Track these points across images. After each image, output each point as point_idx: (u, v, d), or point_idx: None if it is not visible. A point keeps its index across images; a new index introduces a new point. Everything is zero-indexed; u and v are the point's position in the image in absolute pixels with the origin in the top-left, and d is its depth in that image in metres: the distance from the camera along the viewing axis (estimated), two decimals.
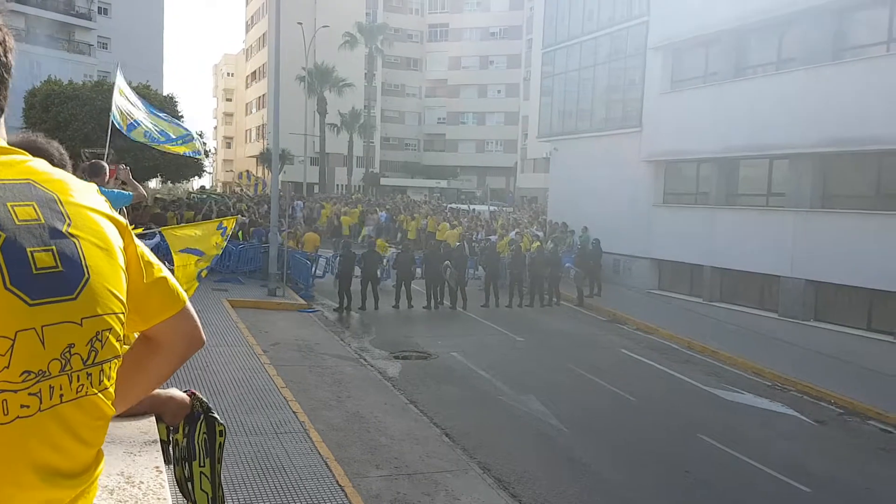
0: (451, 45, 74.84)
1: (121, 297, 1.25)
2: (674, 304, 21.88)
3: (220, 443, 2.33)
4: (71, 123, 22.74)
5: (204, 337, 1.50)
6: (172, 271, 6.84)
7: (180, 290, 1.43)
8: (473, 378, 13.55)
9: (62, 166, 1.82)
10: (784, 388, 14.56)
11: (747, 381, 14.91)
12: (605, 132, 26.34)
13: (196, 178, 31.56)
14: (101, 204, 1.30)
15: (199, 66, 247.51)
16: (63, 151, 2.58)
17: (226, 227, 7.24)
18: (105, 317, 1.20)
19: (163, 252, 7.16)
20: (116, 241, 1.28)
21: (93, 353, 1.19)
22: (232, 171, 79.41)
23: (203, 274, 7.33)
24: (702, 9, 21.53)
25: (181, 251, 7.26)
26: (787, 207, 18.80)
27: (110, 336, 1.22)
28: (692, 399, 13.54)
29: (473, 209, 42.41)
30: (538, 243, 23.57)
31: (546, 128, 30.95)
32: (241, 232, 21.05)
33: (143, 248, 1.38)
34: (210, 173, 74.00)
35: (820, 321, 17.80)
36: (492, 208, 44.00)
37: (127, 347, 1.36)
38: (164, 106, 27.80)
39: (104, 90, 26.12)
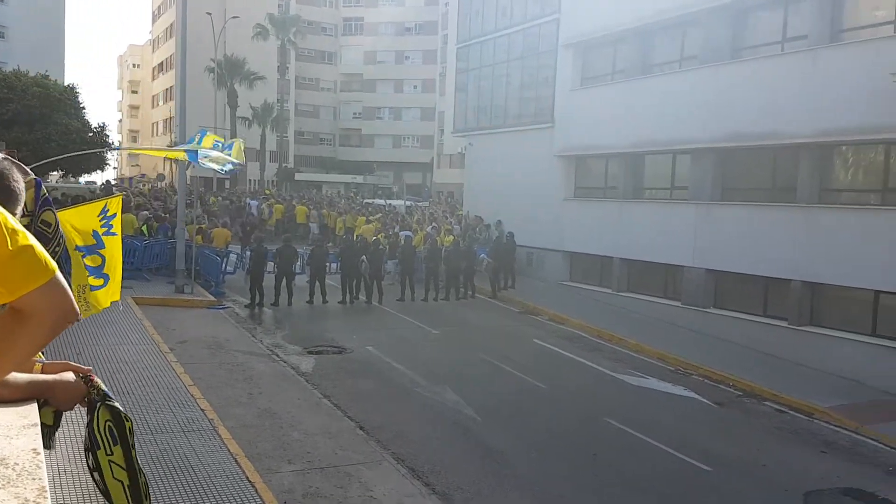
0: (366, 38, 74.25)
1: None
2: (584, 295, 22.50)
3: (129, 428, 2.25)
4: None
5: (77, 309, 1.45)
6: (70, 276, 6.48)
7: (49, 259, 1.38)
8: (389, 371, 13.55)
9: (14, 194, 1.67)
10: (686, 373, 15.22)
11: (652, 367, 15.50)
12: (518, 128, 26.77)
13: (98, 171, 30.19)
14: None
15: (103, 56, 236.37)
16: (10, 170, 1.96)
17: (108, 210, 6.69)
18: None
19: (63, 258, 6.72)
20: None
21: None
22: (138, 165, 76.40)
23: (94, 282, 6.84)
24: (609, 7, 22.18)
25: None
26: (690, 200, 19.63)
27: None
28: (600, 385, 13.98)
29: (390, 204, 42.34)
30: (451, 238, 23.74)
31: (461, 123, 31.20)
32: (146, 227, 20.30)
33: (6, 216, 1.32)
34: (115, 168, 71.05)
35: (720, 308, 18.68)
36: (408, 204, 44.03)
37: None
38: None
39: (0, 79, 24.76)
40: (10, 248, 1.29)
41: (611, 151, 22.26)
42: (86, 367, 2.20)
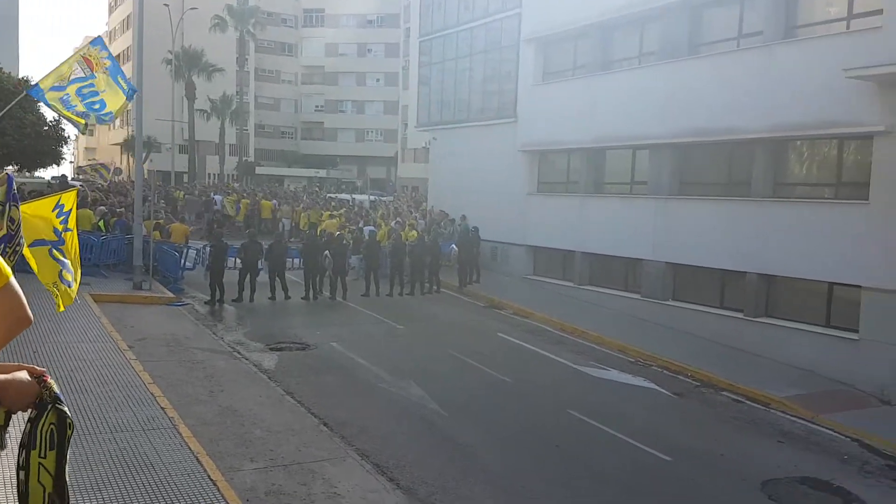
0: (327, 30, 73.61)
1: None
2: (548, 289, 22.68)
3: (69, 436, 2.21)
4: None
5: (30, 315, 1.42)
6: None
7: (3, 265, 1.34)
8: (353, 367, 13.49)
9: None
10: (646, 364, 15.45)
11: (613, 359, 15.71)
12: (481, 122, 26.81)
13: (55, 166, 29.45)
14: None
15: (58, 48, 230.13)
16: None
17: (63, 205, 6.54)
18: None
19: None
20: None
21: None
22: (94, 158, 74.65)
23: (67, 277, 6.69)
24: (570, 3, 22.32)
25: (31, 245, 6.71)
26: (648, 195, 19.89)
27: None
28: (563, 378, 14.12)
29: (353, 199, 42.11)
30: (415, 233, 23.72)
31: (425, 117, 31.14)
32: (102, 222, 19.87)
33: None
34: (71, 162, 69.40)
35: (678, 301, 18.99)
36: (372, 198, 43.84)
37: None
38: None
39: None
40: None
41: (572, 146, 22.44)
42: (40, 369, 2.15)
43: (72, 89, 8.81)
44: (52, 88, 8.75)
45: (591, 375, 14.36)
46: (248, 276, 18.54)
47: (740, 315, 17.17)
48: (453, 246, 23.55)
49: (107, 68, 9.14)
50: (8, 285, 1.33)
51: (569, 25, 22.37)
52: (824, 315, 15.70)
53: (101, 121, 9.59)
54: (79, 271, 6.87)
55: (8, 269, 1.35)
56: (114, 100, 9.41)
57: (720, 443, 11.23)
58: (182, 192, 37.34)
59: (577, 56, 23.03)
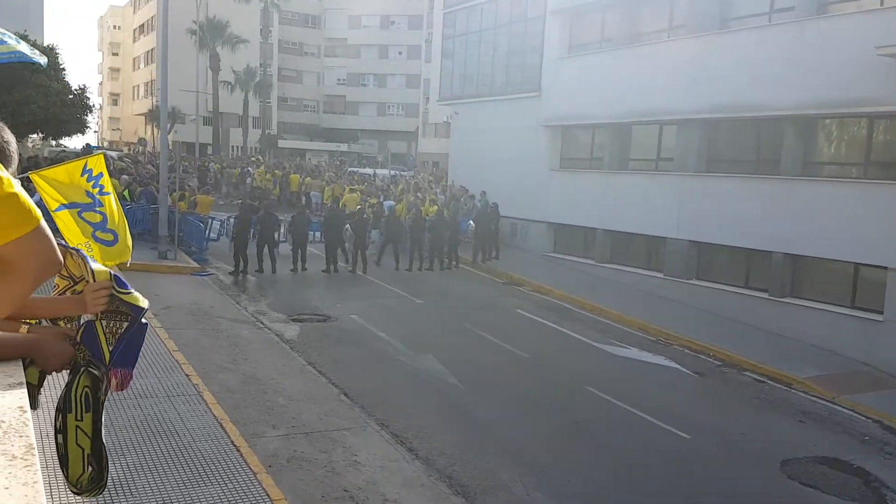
0: (350, 2, 73.06)
1: None
2: (568, 266, 22.60)
3: (102, 399, 2.24)
4: None
5: (61, 259, 1.42)
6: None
7: (33, 207, 1.34)
8: (372, 339, 13.58)
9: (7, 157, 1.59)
10: (667, 343, 15.39)
11: (634, 337, 15.66)
12: (505, 96, 26.56)
13: (79, 134, 29.71)
14: None
15: (83, 17, 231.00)
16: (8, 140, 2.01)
17: (92, 170, 6.57)
18: None
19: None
20: None
21: None
22: (119, 129, 75.27)
23: (103, 236, 6.63)
24: None
25: (57, 210, 6.78)
26: (675, 172, 19.66)
27: None
28: (582, 355, 14.11)
29: (374, 173, 42.12)
30: (436, 207, 23.68)
31: (447, 91, 30.90)
32: (127, 191, 20.06)
33: None
34: (95, 131, 69.97)
35: (702, 280, 18.84)
36: (392, 173, 43.80)
37: None
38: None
39: None
40: None
41: (597, 122, 22.18)
42: (72, 331, 2.18)
43: None
44: None
45: (611, 353, 14.34)
46: (267, 247, 18.66)
47: (765, 295, 17.00)
48: (471, 222, 23.51)
49: None
50: (39, 228, 1.34)
51: None
52: (849, 296, 15.51)
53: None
54: (127, 233, 6.90)
55: (38, 212, 1.36)
56: None
57: (740, 422, 11.19)
58: (219, 164, 37.71)
59: (605, 29, 22.68)
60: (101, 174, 6.58)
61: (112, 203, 6.74)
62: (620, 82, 20.87)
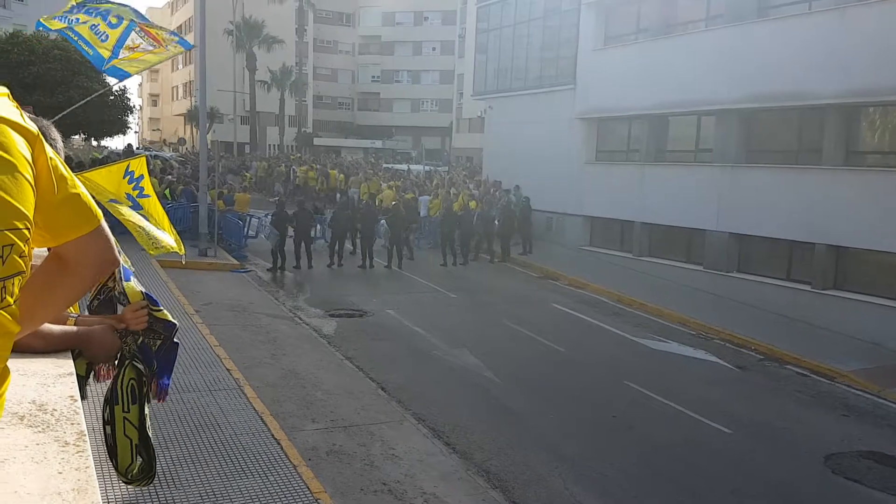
0: None
1: (25, 212, 1.20)
2: (604, 260, 22.41)
3: (146, 392, 2.30)
4: None
5: (118, 258, 1.46)
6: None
7: (95, 207, 1.38)
8: (408, 334, 13.65)
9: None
10: (708, 337, 15.18)
11: (673, 331, 15.48)
12: (539, 90, 26.42)
13: (120, 135, 30.35)
14: (10, 112, 1.23)
15: None
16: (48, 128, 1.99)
17: (133, 172, 6.65)
18: (6, 232, 1.16)
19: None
20: (24, 152, 1.22)
21: None
22: (159, 129, 76.66)
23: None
24: None
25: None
26: (714, 163, 19.36)
27: (12, 252, 1.18)
28: (620, 349, 13.99)
29: (409, 169, 42.25)
30: (458, 202, 23.71)
31: (481, 86, 30.84)
32: (168, 191, 20.44)
33: (56, 161, 1.31)
34: (136, 132, 71.34)
35: (743, 272, 18.53)
36: (427, 168, 43.88)
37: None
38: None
39: (19, 43, 24.74)
40: (56, 194, 1.30)
41: (633, 113, 21.94)
42: (121, 324, 2.24)
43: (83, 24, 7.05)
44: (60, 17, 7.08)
45: (650, 347, 14.19)
46: (303, 243, 18.87)
47: (808, 287, 16.67)
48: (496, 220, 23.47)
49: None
50: (100, 227, 1.37)
51: None
52: (894, 287, 15.12)
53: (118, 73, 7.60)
54: (172, 231, 7.02)
55: (99, 212, 1.40)
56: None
57: (783, 416, 10.99)
58: (265, 163, 38.26)
59: (640, 20, 22.41)
60: (142, 176, 6.69)
61: (153, 205, 6.84)
62: (657, 73, 20.59)
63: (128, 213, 6.29)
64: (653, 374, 12.34)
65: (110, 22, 7.24)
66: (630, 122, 22.75)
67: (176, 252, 6.76)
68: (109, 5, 7.34)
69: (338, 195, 30.77)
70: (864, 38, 15.25)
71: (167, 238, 6.55)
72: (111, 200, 6.24)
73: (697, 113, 20.06)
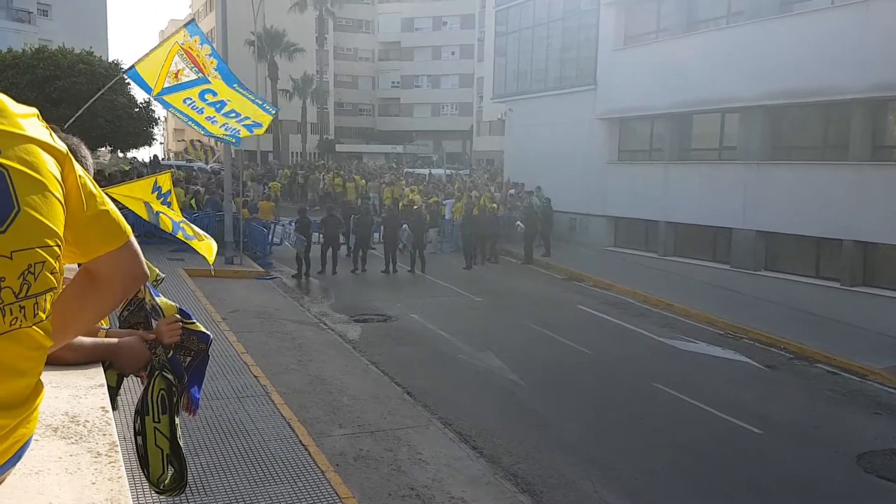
0: (403, 5, 73.54)
1: (56, 229, 1.22)
2: (629, 260, 22.26)
3: (176, 401, 2.34)
4: (10, 92, 21.79)
5: (146, 272, 1.49)
6: None
7: (124, 223, 1.41)
8: (433, 338, 13.66)
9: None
10: (736, 336, 15.01)
11: (701, 331, 15.32)
12: (559, 91, 26.36)
13: (146, 146, 30.75)
14: (40, 132, 1.26)
15: (144, 31, 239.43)
16: (78, 146, 2.08)
17: (161, 188, 6.75)
18: (38, 250, 1.19)
19: None
20: (54, 171, 1.25)
21: (25, 287, 1.17)
22: (183, 140, 77.49)
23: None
24: None
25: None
26: (739, 160, 19.16)
27: (43, 269, 1.20)
28: (647, 350, 13.88)
29: (430, 173, 42.34)
30: (494, 205, 23.68)
31: (501, 88, 30.84)
32: (193, 200, 20.69)
33: (86, 179, 1.34)
34: (161, 143, 72.30)
35: (770, 271, 18.30)
36: (448, 172, 43.94)
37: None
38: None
39: (45, 58, 25.18)
40: (86, 211, 1.33)
41: (656, 112, 21.80)
42: (150, 335, 2.28)
43: (193, 93, 7.55)
44: (169, 90, 7.45)
45: (677, 348, 14.06)
46: (331, 249, 19.03)
47: (836, 284, 16.42)
48: (518, 224, 23.44)
49: (216, 69, 7.72)
50: (128, 243, 1.40)
51: None
52: None
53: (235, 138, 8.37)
54: (202, 240, 7.11)
55: (128, 228, 1.43)
56: (252, 111, 8.19)
57: (814, 415, 10.84)
58: (289, 171, 38.62)
59: (661, 18, 22.27)
60: (168, 191, 6.82)
61: (171, 220, 6.96)
62: (679, 71, 20.44)
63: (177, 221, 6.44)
64: (681, 374, 12.23)
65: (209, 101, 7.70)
66: (652, 121, 22.60)
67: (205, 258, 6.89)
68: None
69: (358, 200, 30.92)
70: (889, 32, 15.01)
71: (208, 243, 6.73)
72: (158, 212, 6.36)
73: (721, 110, 19.88)
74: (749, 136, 18.91)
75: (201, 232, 7.07)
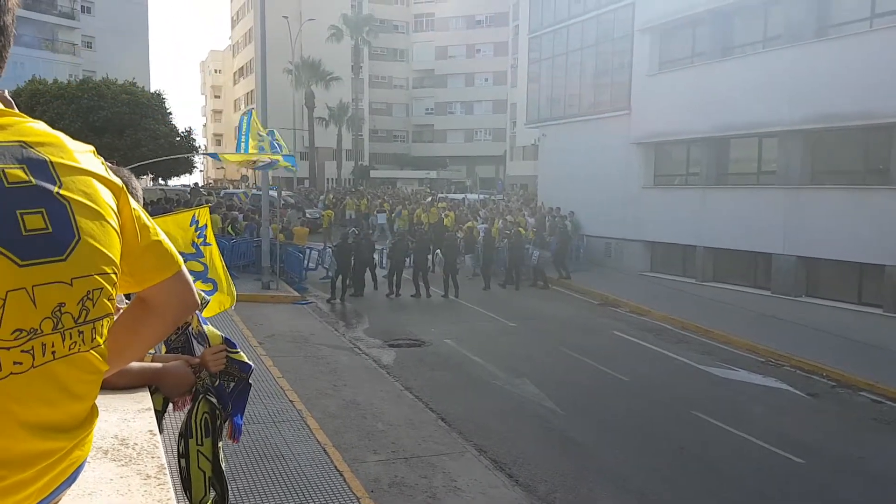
0: (437, 34, 74.57)
1: (112, 258, 1.28)
2: (667, 286, 22.00)
3: (219, 425, 2.38)
4: (57, 122, 22.66)
5: (198, 300, 1.55)
6: None
7: (175, 253, 1.46)
8: (467, 364, 13.62)
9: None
10: (777, 364, 14.69)
11: (741, 359, 15.03)
12: (593, 116, 26.37)
13: (187, 175, 31.47)
14: (96, 166, 1.32)
15: (186, 62, 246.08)
16: (129, 178, 2.24)
17: (198, 221, 6.90)
18: (96, 277, 1.24)
19: None
20: (110, 202, 1.30)
21: (84, 312, 1.22)
22: (223, 167, 79.04)
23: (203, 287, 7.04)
24: None
25: None
26: (778, 185, 18.90)
27: (101, 296, 1.25)
28: (686, 378, 13.65)
29: (465, 198, 42.54)
30: (494, 227, 23.78)
31: (534, 114, 30.96)
32: (231, 227, 21.04)
33: (139, 212, 1.40)
34: (201, 171, 73.76)
35: (812, 297, 17.93)
36: (481, 197, 44.09)
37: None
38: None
39: (89, 88, 26.00)
40: (140, 242, 1.38)
41: (692, 136, 21.66)
42: (195, 359, 2.33)
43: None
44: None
45: (717, 376, 13.80)
46: (368, 269, 19.21)
47: (879, 311, 16.03)
48: (533, 250, 23.36)
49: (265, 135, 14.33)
50: (180, 272, 1.46)
51: (686, 12, 21.63)
52: None
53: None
54: (225, 280, 7.22)
55: (180, 258, 1.48)
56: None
57: (858, 445, 10.53)
58: (331, 195, 39.09)
59: (696, 43, 22.23)
60: (205, 225, 6.95)
61: (213, 253, 7.07)
62: (715, 96, 20.33)
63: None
64: (721, 403, 11.99)
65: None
66: (688, 146, 22.45)
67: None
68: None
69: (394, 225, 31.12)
70: None
71: (217, 295, 6.77)
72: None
73: (759, 135, 19.68)
74: (788, 161, 18.67)
75: (226, 278, 7.14)
